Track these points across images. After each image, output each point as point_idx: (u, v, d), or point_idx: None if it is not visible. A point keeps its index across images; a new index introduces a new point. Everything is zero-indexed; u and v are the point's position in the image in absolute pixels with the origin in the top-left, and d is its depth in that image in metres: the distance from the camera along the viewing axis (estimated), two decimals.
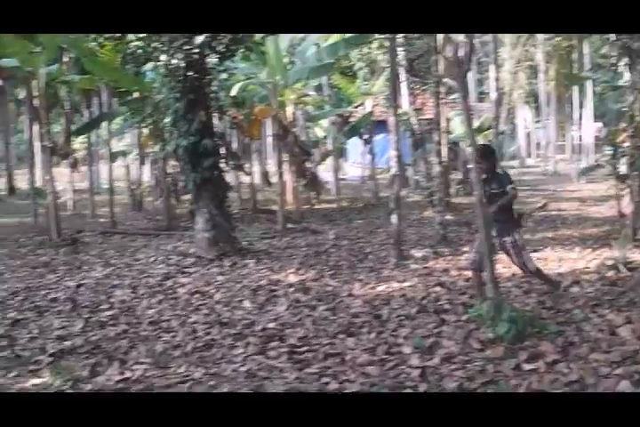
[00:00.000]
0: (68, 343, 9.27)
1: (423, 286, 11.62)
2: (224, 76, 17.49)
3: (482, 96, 54.24)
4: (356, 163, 43.07)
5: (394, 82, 15.62)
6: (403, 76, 26.55)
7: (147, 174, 34.07)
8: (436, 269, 13.20)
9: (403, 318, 9.63)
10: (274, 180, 33.33)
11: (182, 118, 15.52)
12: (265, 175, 37.38)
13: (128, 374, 7.80)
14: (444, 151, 20.04)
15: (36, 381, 7.79)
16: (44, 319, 10.74)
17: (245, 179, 29.66)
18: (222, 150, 16.90)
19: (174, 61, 15.32)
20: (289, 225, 20.62)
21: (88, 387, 7.44)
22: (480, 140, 24.85)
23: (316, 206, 26.03)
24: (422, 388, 6.84)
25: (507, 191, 9.55)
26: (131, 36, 16.87)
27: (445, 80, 18.82)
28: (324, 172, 33.28)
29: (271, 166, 40.69)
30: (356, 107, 33.07)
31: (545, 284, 10.55)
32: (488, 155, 9.86)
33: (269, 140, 42.96)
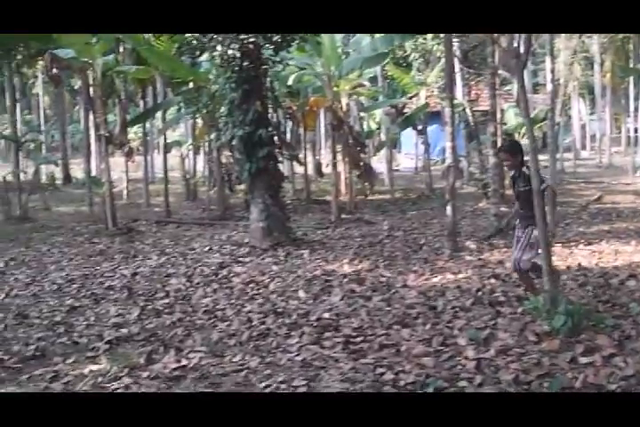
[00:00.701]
0: (124, 331, 9.36)
1: (478, 278, 11.57)
2: (279, 66, 17.46)
3: (536, 88, 53.82)
4: (409, 154, 42.99)
5: (449, 73, 15.55)
6: (457, 67, 26.43)
7: (201, 164, 34.25)
8: (491, 261, 13.14)
9: (458, 309, 9.58)
10: (326, 170, 33.40)
11: (238, 108, 15.59)
12: (317, 166, 37.38)
13: (184, 362, 7.84)
14: (500, 143, 19.91)
15: (94, 367, 7.86)
16: (101, 307, 10.87)
17: (298, 169, 29.71)
18: (277, 140, 16.91)
19: (230, 52, 15.36)
20: (343, 216, 20.64)
21: (145, 374, 7.50)
22: (535, 132, 24.63)
23: (370, 197, 25.98)
24: (478, 380, 6.81)
25: (536, 188, 8.97)
26: None
27: (500, 71, 18.71)
28: (378, 163, 33.24)
29: (324, 157, 40.76)
30: (410, 98, 32.93)
31: (525, 289, 9.99)
32: (515, 151, 9.61)
33: (322, 130, 43.06)
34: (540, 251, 9.22)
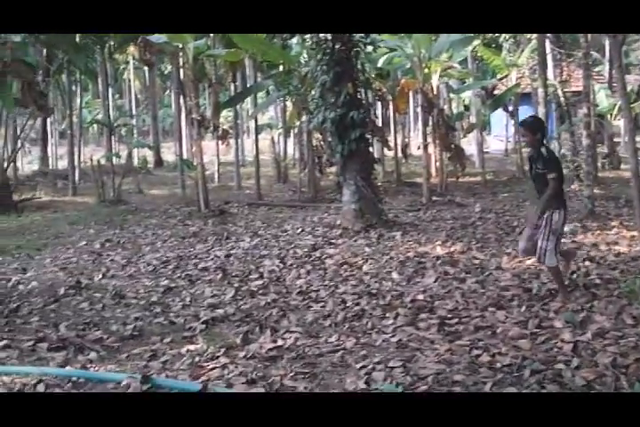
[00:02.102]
0: (219, 311, 9.44)
1: (572, 261, 11.43)
2: (370, 48, 17.43)
3: (629, 67, 52.89)
4: (498, 136, 42.60)
5: (542, 53, 15.39)
6: (548, 47, 26.07)
7: (291, 147, 34.39)
8: (585, 243, 12.95)
9: (553, 292, 9.49)
10: (416, 153, 33.27)
11: (329, 91, 15.64)
12: (403, 148, 37.26)
13: (280, 343, 7.89)
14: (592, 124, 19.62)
15: (191, 347, 7.96)
16: (196, 288, 11.00)
17: (388, 152, 29.66)
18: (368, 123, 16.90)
19: (321, 34, 15.40)
20: (434, 198, 20.58)
21: (241, 354, 7.58)
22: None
23: (461, 179, 25.81)
24: (575, 363, 6.74)
25: (549, 174, 8.83)
26: None
27: (591, 52, 18.42)
28: (467, 145, 33.02)
29: (412, 139, 40.59)
30: (501, 79, 32.58)
31: (556, 286, 9.50)
32: (536, 128, 9.12)
33: (411, 112, 42.87)
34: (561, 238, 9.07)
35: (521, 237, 9.69)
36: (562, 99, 27.00)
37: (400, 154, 30.29)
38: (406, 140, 38.32)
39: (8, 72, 9.05)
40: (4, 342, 8.31)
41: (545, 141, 9.21)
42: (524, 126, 9.22)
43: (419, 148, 27.14)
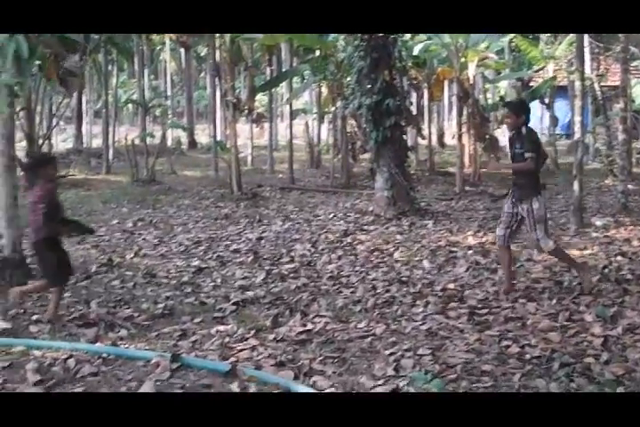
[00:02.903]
0: (250, 293, 9.50)
1: (604, 255, 11.35)
2: (407, 35, 17.38)
3: None
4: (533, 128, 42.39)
5: (580, 47, 15.26)
6: (586, 40, 25.90)
7: (324, 133, 34.37)
8: (618, 238, 12.87)
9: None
10: (450, 142, 33.18)
11: (366, 77, 15.66)
12: (440, 137, 37.16)
13: (310, 326, 7.91)
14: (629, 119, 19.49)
15: (221, 328, 8.00)
16: (227, 269, 11.07)
17: (422, 140, 29.60)
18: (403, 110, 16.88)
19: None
20: (467, 187, 20.52)
21: (271, 336, 7.61)
22: None
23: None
24: (604, 357, 6.72)
25: (526, 153, 8.81)
26: None
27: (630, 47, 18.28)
28: (501, 136, 32.89)
29: (447, 128, 40.48)
30: (537, 71, 32.39)
31: (568, 266, 9.72)
32: (520, 110, 9.05)
33: (445, 102, 42.73)
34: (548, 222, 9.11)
35: (499, 223, 9.52)
36: (598, 92, 26.85)
37: (435, 143, 30.21)
38: (444, 129, 38.23)
39: (37, 42, 9.15)
40: (36, 316, 8.41)
41: (528, 125, 9.11)
42: (509, 108, 9.26)
43: (452, 137, 27.05)
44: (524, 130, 8.95)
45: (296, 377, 6.37)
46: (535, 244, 9.30)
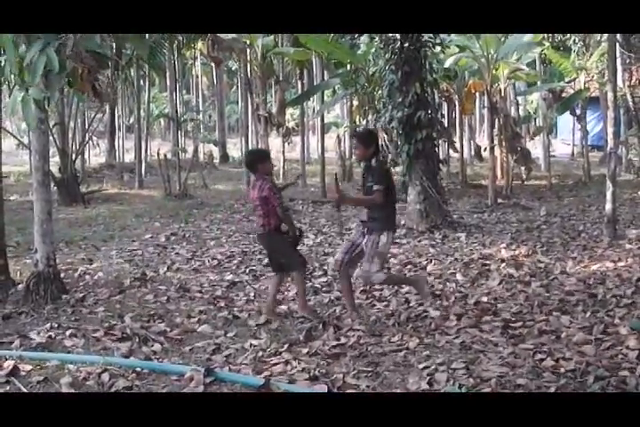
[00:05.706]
0: (283, 307, 9.53)
1: (638, 267, 11.30)
2: (438, 48, 17.38)
3: None
4: (565, 140, 42.30)
5: (612, 57, 15.19)
6: (618, 51, 25.81)
7: None
8: None
9: (618, 298, 9.39)
10: (484, 154, 33.14)
11: (397, 90, 15.72)
12: (477, 150, 37.11)
13: (343, 340, 7.90)
14: None
15: (254, 342, 8.00)
16: (260, 283, 11.09)
17: (454, 153, 29.58)
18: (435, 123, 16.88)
19: (390, 33, 15.42)
20: (499, 200, 20.45)
21: (304, 351, 7.61)
22: None
23: (526, 182, 25.65)
24: (639, 371, 6.68)
25: (375, 186, 8.47)
26: None
27: None
28: (533, 148, 32.79)
29: (480, 141, 40.43)
30: (569, 82, 32.34)
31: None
32: (369, 141, 8.72)
33: (477, 114, 42.70)
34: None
35: (340, 247, 9.39)
36: (630, 103, 26.76)
37: (466, 155, 30.15)
38: (477, 142, 38.19)
39: (68, 57, 9.14)
40: (71, 330, 8.44)
41: (377, 156, 8.84)
42: (356, 138, 8.97)
43: (485, 149, 27.02)
44: (373, 162, 8.64)
45: (329, 391, 6.36)
46: (364, 275, 8.70)
